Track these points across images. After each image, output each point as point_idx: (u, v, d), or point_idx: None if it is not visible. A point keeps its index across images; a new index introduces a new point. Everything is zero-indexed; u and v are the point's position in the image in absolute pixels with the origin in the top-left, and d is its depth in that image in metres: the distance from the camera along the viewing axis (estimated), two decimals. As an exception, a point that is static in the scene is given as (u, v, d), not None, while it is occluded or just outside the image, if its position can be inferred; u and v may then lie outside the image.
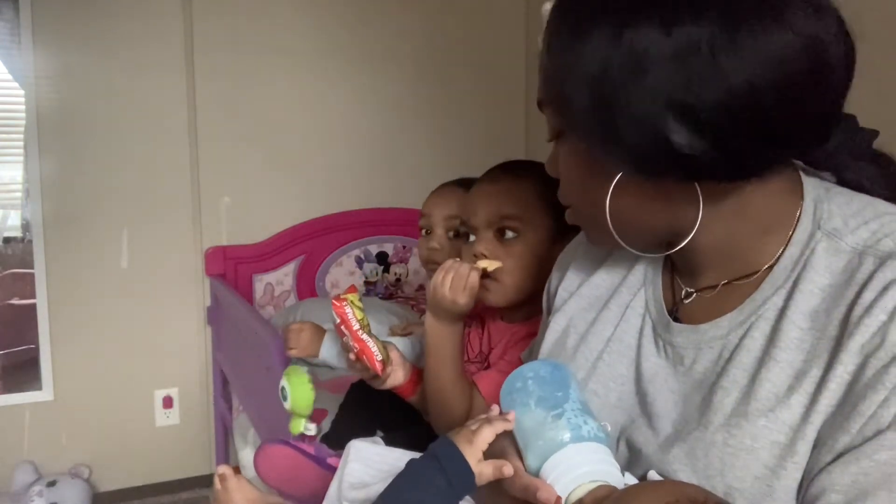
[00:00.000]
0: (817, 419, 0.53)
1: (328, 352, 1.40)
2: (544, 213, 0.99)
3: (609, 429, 0.64)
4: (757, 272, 0.61)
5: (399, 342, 1.42)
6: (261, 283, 2.29)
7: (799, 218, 0.60)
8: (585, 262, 0.78)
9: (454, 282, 0.92)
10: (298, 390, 1.05)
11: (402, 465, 0.65)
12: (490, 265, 0.95)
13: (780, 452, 0.53)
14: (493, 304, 1.01)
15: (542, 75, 0.61)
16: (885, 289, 0.52)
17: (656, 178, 0.56)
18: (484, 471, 0.62)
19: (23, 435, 2.15)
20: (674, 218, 0.59)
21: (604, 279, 0.74)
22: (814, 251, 0.58)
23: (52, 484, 2.05)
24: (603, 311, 0.72)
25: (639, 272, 0.71)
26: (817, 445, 0.52)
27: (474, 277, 0.92)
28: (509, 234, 0.98)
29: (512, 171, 1.03)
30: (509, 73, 2.54)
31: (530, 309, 1.00)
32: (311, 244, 2.34)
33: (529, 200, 0.99)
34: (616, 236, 0.61)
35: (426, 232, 1.30)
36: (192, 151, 2.21)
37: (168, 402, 2.29)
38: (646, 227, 0.61)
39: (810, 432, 0.53)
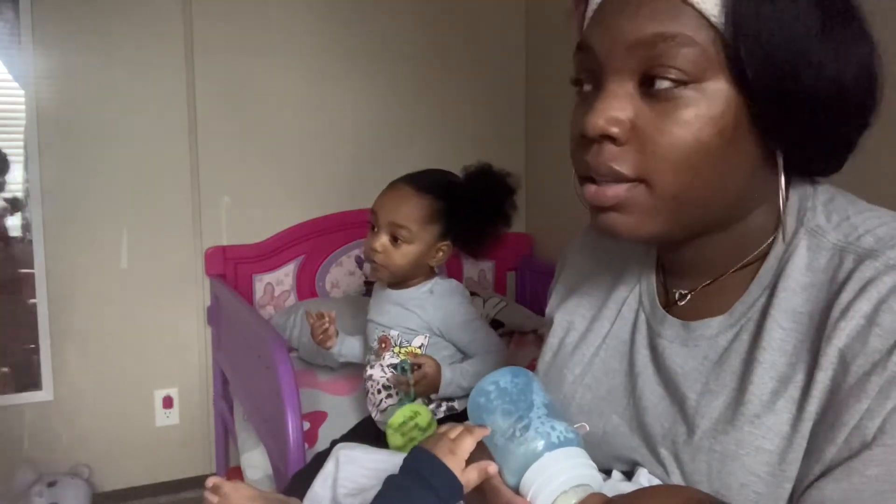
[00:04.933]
0: (805, 427, 0.52)
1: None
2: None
3: (587, 428, 0.63)
4: (745, 268, 0.61)
5: (352, 340, 1.47)
6: (261, 283, 2.29)
7: (784, 215, 0.59)
8: (584, 261, 0.78)
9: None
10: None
11: (398, 463, 0.64)
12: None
13: (768, 460, 0.53)
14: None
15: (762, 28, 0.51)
16: (862, 290, 0.51)
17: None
18: (469, 478, 0.60)
19: (23, 435, 2.15)
20: (747, 203, 0.59)
21: (602, 277, 0.74)
22: (796, 249, 0.57)
23: (52, 484, 2.05)
24: (602, 309, 0.72)
25: (633, 269, 0.71)
26: (806, 454, 0.52)
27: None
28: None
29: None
30: (509, 73, 2.53)
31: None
32: (311, 244, 2.34)
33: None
34: (680, 217, 0.56)
35: (374, 228, 1.37)
36: (192, 151, 2.21)
37: (168, 402, 2.29)
38: (725, 210, 0.58)
39: (800, 441, 0.52)
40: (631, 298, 0.70)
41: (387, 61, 2.39)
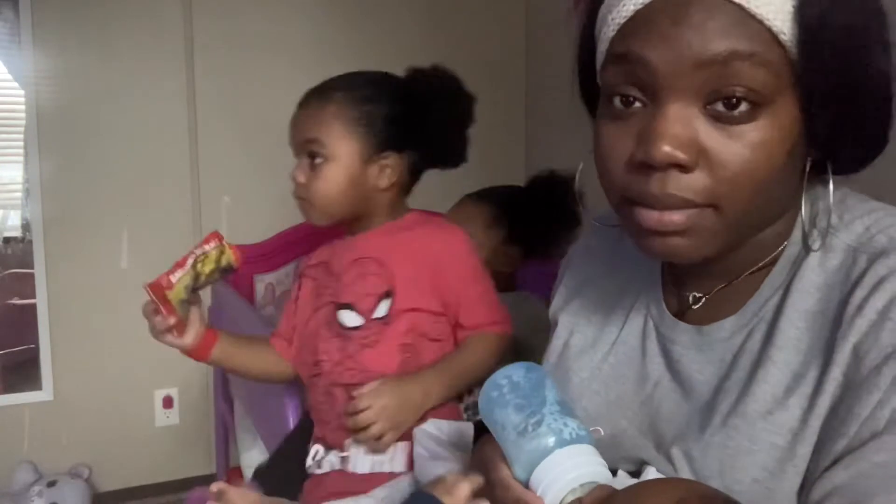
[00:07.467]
0: (816, 422, 0.52)
1: None
2: (349, 136, 1.12)
3: (602, 433, 0.63)
4: (758, 271, 0.61)
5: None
6: (261, 283, 2.29)
7: (796, 216, 0.59)
8: (589, 263, 0.78)
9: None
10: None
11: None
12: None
13: (780, 455, 0.53)
14: (317, 224, 1.18)
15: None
16: (876, 286, 0.51)
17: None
18: None
19: (23, 435, 2.15)
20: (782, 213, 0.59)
21: (608, 282, 0.74)
22: (809, 249, 0.57)
23: (52, 484, 2.05)
24: (610, 315, 0.71)
25: (638, 275, 0.71)
26: (816, 449, 0.52)
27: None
28: (317, 158, 1.13)
29: (318, 96, 1.18)
30: (509, 74, 2.53)
31: (367, 221, 1.15)
32: (311, 244, 2.33)
33: (332, 125, 1.13)
34: (735, 234, 0.56)
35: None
36: (192, 151, 2.21)
37: (168, 402, 2.29)
38: (773, 218, 0.58)
39: (810, 436, 0.52)
40: (638, 305, 0.69)
41: (386, 61, 2.37)
